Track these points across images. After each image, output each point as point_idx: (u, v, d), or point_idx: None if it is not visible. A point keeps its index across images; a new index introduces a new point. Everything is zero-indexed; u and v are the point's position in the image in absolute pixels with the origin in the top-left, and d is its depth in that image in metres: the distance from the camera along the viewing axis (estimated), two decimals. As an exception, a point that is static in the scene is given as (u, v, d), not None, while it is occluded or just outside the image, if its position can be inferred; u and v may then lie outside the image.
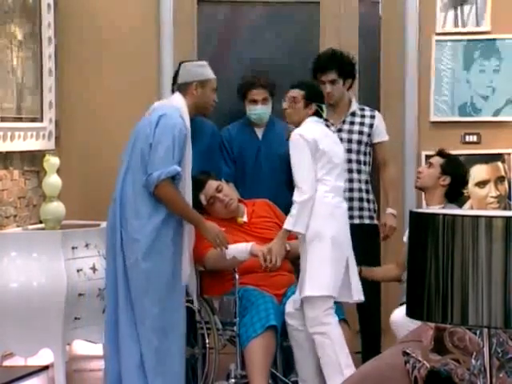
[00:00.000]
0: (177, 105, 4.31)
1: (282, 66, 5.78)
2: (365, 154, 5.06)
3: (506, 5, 5.54)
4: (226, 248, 4.42)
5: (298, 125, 4.53)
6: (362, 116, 5.08)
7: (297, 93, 4.55)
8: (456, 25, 5.59)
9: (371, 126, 5.07)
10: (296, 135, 4.42)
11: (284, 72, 5.64)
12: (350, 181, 4.96)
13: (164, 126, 4.21)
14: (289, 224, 4.38)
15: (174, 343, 4.26)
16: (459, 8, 5.58)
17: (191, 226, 4.35)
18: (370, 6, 5.84)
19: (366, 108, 5.15)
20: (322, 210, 4.40)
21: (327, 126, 4.90)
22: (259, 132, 5.20)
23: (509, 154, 5.56)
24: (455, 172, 4.69)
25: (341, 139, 4.98)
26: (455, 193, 4.73)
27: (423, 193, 4.87)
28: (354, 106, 5.09)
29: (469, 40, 5.57)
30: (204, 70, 4.42)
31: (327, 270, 4.35)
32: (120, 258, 4.23)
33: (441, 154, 4.78)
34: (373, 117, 5.09)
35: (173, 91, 4.92)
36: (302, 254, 4.40)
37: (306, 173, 4.38)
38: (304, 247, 4.39)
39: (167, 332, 4.23)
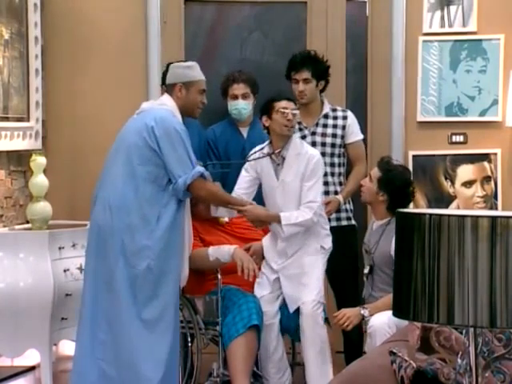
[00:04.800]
0: (167, 106, 4.30)
1: (270, 66, 5.79)
2: (338, 155, 5.07)
3: (492, 5, 5.56)
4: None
5: (287, 138, 4.55)
6: (335, 118, 5.09)
7: (296, 107, 4.58)
8: (443, 25, 5.60)
9: (344, 127, 5.07)
10: (319, 157, 4.54)
11: (271, 72, 5.65)
12: (326, 184, 4.97)
13: (165, 130, 4.17)
14: (285, 220, 4.43)
15: (177, 340, 4.31)
16: (446, 8, 5.60)
17: (190, 227, 4.37)
18: (357, 6, 5.84)
19: (338, 108, 5.16)
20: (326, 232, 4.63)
21: (300, 129, 4.93)
22: (244, 131, 5.21)
23: (495, 153, 5.58)
24: (391, 188, 4.51)
25: (314, 142, 5.00)
26: (397, 207, 4.39)
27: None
28: (327, 108, 5.10)
29: (455, 40, 5.58)
30: (189, 72, 4.39)
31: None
32: (120, 265, 4.16)
33: (380, 164, 4.62)
34: (345, 117, 5.10)
35: (162, 94, 4.96)
36: (309, 261, 4.49)
37: (318, 194, 4.53)
38: (313, 256, 4.51)
39: (176, 330, 4.28)
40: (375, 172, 4.60)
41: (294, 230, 4.45)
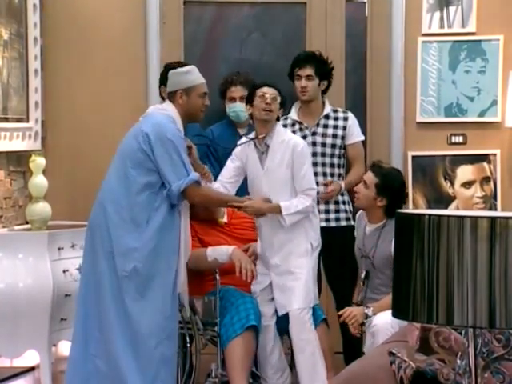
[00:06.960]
0: (168, 112, 4.31)
1: (269, 66, 5.79)
2: (339, 156, 5.08)
3: (491, 6, 5.56)
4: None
5: (269, 124, 4.53)
6: (336, 118, 5.09)
7: (276, 93, 4.57)
8: (442, 26, 5.60)
9: (344, 128, 5.08)
10: (304, 145, 4.54)
11: (271, 72, 5.64)
12: (325, 184, 4.97)
13: (160, 136, 4.17)
14: (286, 209, 4.44)
15: (172, 349, 4.25)
16: (445, 9, 5.60)
17: (188, 234, 4.35)
18: (356, 6, 5.85)
19: (339, 109, 5.17)
20: (317, 221, 4.62)
21: (301, 129, 4.93)
22: (242, 132, 5.22)
23: (494, 154, 5.58)
24: (390, 192, 4.52)
25: (315, 143, 5.01)
26: (396, 209, 4.54)
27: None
28: (328, 109, 5.10)
29: (454, 41, 5.59)
30: (188, 77, 4.36)
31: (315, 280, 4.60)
32: (107, 267, 4.15)
33: (373, 169, 4.61)
34: (346, 118, 5.11)
35: (160, 94, 4.99)
36: (298, 262, 4.47)
37: (313, 180, 4.57)
38: (305, 256, 4.50)
39: (170, 339, 4.22)
40: (371, 178, 4.58)
41: (295, 218, 4.46)
